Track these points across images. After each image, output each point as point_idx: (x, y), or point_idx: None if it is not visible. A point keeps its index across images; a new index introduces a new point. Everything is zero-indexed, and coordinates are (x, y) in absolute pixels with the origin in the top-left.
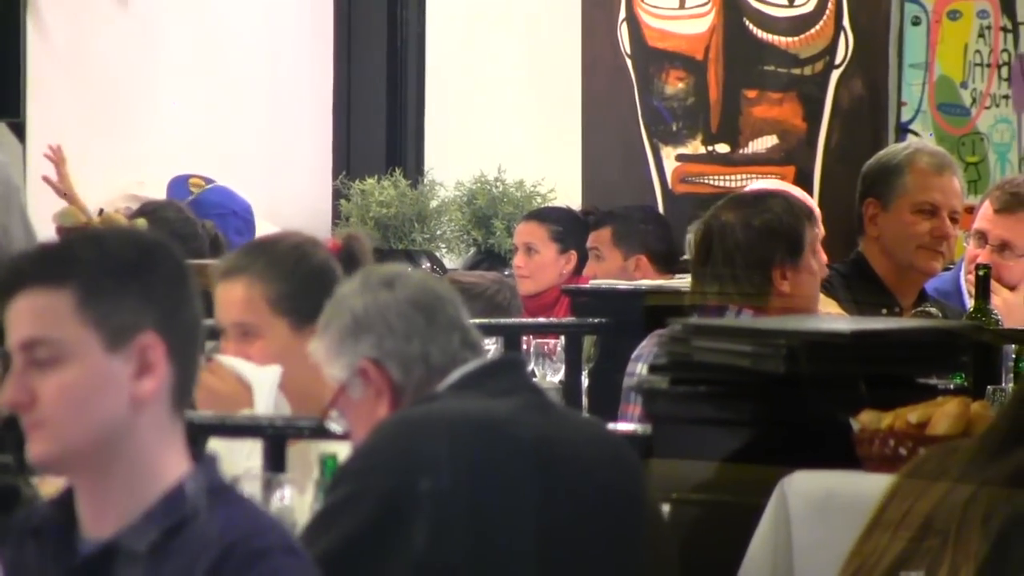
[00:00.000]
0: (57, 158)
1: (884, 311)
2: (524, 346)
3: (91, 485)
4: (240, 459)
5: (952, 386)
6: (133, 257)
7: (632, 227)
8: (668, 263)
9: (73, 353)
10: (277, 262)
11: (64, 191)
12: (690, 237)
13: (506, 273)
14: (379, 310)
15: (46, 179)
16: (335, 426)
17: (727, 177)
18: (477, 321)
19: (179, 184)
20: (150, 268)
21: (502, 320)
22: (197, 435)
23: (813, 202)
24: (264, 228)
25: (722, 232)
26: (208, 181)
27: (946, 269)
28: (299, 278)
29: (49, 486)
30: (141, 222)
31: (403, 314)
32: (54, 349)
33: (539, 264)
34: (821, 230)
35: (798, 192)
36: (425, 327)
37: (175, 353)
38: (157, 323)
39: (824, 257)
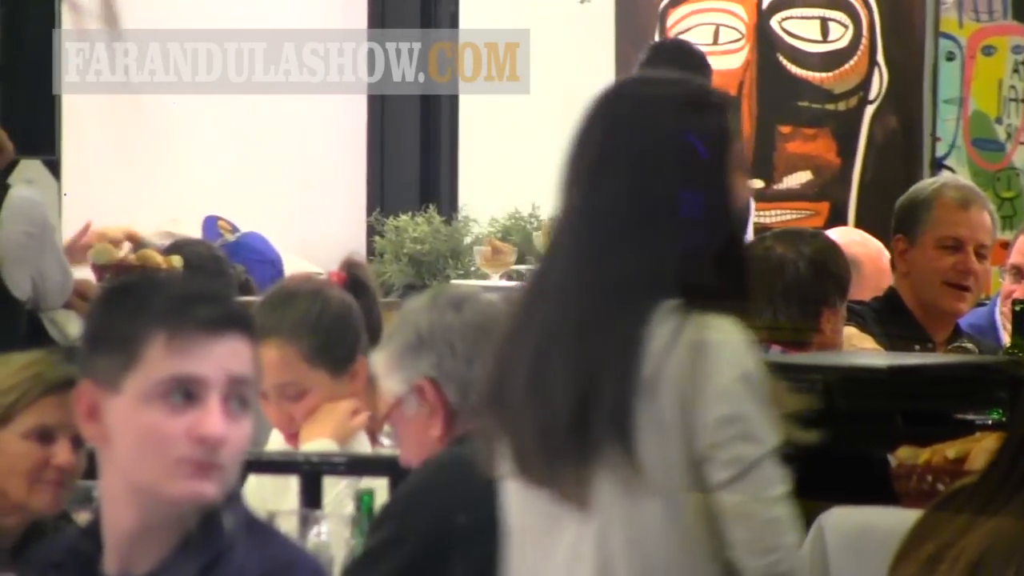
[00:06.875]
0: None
1: (917, 347)
2: None
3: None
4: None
5: (990, 421)
6: None
7: None
8: None
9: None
10: (303, 317)
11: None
12: None
13: None
14: (443, 330)
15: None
16: (386, 440)
17: (762, 212)
18: None
19: (211, 224)
20: None
21: None
22: None
23: None
24: (298, 265)
25: (781, 266)
26: (233, 228)
27: (981, 304)
28: (326, 327)
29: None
30: (176, 259)
31: (467, 337)
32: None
33: None
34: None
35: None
36: (487, 352)
37: None
38: None
39: None
